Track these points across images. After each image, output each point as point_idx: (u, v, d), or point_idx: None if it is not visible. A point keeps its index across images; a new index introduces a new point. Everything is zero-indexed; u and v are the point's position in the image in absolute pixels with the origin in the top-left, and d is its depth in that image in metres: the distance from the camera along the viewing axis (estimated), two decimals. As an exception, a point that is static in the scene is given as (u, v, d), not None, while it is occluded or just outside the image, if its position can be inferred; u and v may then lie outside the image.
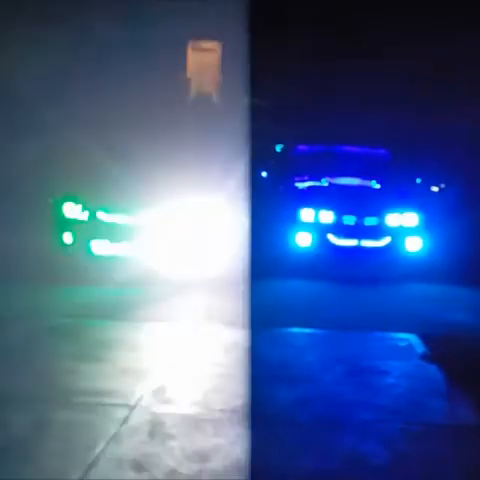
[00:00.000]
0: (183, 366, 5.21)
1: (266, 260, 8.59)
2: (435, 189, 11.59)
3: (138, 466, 3.60)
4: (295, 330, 6.31)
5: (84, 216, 7.96)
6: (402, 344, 5.95)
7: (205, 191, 8.53)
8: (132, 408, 4.33)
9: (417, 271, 8.47)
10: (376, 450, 3.86)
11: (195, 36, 17.02)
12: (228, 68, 16.70)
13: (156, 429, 4.05)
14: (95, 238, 7.87)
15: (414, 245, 8.62)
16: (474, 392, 4.72)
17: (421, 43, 14.04)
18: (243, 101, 16.02)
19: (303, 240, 8.61)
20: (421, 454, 3.86)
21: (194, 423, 4.16)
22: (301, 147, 10.44)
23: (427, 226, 8.76)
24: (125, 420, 4.14)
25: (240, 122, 14.77)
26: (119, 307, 6.91)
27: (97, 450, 3.73)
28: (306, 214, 8.66)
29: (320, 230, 8.58)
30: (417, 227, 8.68)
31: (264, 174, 10.58)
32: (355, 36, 14.43)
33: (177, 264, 7.87)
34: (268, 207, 9.32)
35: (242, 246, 8.86)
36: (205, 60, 17.51)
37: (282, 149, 11.09)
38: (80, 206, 7.97)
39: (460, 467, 3.73)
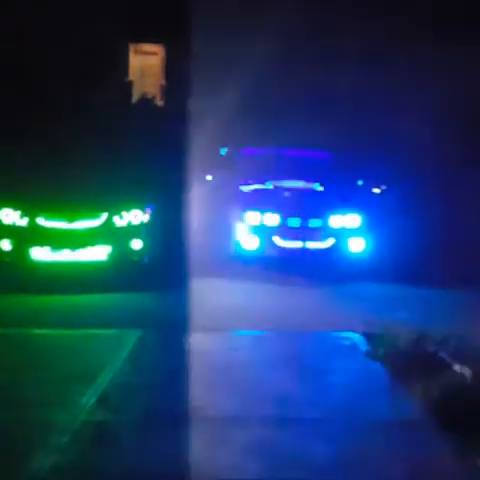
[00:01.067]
0: (129, 371, 5.16)
1: (211, 262, 8.60)
2: (376, 191, 11.82)
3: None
4: (240, 332, 6.31)
5: (23, 222, 7.78)
6: (346, 343, 6.03)
7: (147, 195, 8.47)
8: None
9: (360, 271, 8.62)
10: (322, 448, 3.90)
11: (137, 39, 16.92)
12: (172, 70, 16.65)
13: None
14: (35, 245, 7.70)
15: (357, 246, 8.77)
16: (415, 389, 4.81)
17: (360, 46, 14.29)
18: (187, 104, 15.99)
19: (249, 243, 8.64)
20: (366, 450, 3.92)
21: (139, 428, 4.13)
22: (245, 150, 10.49)
23: (369, 227, 8.92)
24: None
25: (184, 125, 14.74)
26: (59, 315, 6.80)
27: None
28: (251, 217, 8.70)
29: (265, 232, 8.63)
30: (359, 228, 8.83)
31: (209, 177, 10.58)
32: (297, 39, 14.58)
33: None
34: (213, 210, 9.33)
35: (187, 248, 8.86)
36: (148, 63, 17.42)
37: (226, 152, 11.11)
38: (19, 212, 7.78)
39: (403, 461, 3.81)
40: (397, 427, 4.26)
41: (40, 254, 7.70)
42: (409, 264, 8.84)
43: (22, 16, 13.33)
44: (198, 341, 5.94)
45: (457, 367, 5.23)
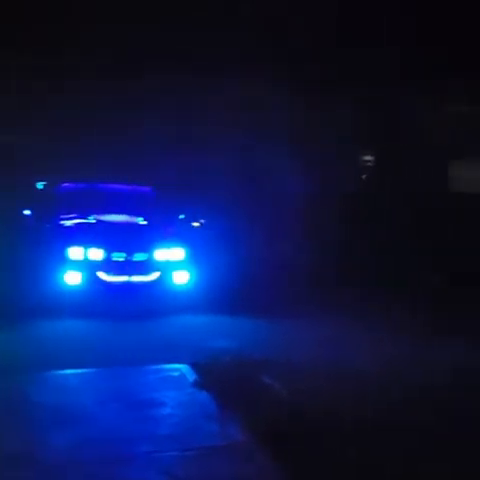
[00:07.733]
0: None
1: (34, 300, 8.31)
2: (196, 224, 12.25)
3: None
4: (67, 371, 6.18)
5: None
6: (175, 374, 6.18)
7: None
8: None
9: (185, 303, 8.84)
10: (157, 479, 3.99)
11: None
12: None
13: None
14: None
15: (181, 278, 8.98)
16: (240, 413, 5.10)
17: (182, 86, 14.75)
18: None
19: (72, 278, 8.49)
20: (199, 477, 4.08)
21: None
22: (65, 184, 10.31)
23: (192, 260, 9.18)
24: None
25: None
26: None
27: None
28: (74, 252, 8.57)
29: (89, 267, 8.53)
30: (183, 261, 9.06)
31: (27, 212, 10.24)
32: (122, 77, 14.63)
33: None
34: (34, 246, 9.04)
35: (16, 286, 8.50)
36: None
37: (44, 186, 10.84)
38: None
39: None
40: (226, 451, 4.49)
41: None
42: (230, 294, 9.24)
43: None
44: (23, 381, 5.74)
45: (277, 388, 5.64)
